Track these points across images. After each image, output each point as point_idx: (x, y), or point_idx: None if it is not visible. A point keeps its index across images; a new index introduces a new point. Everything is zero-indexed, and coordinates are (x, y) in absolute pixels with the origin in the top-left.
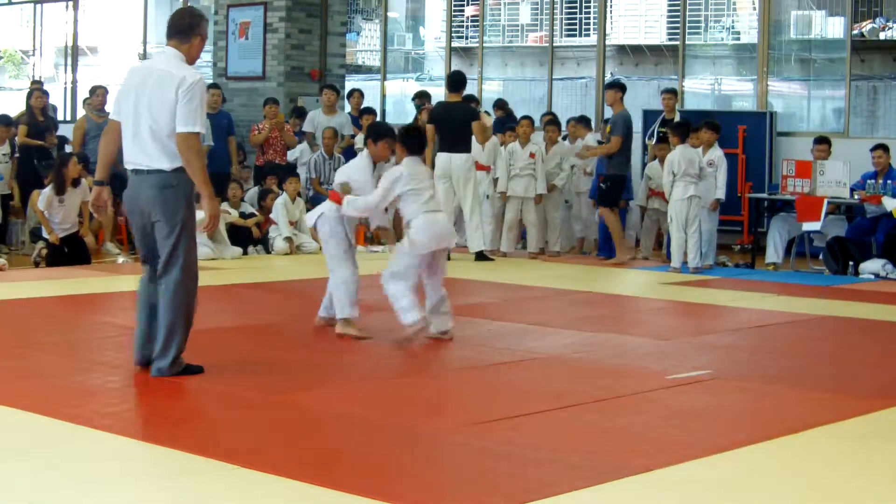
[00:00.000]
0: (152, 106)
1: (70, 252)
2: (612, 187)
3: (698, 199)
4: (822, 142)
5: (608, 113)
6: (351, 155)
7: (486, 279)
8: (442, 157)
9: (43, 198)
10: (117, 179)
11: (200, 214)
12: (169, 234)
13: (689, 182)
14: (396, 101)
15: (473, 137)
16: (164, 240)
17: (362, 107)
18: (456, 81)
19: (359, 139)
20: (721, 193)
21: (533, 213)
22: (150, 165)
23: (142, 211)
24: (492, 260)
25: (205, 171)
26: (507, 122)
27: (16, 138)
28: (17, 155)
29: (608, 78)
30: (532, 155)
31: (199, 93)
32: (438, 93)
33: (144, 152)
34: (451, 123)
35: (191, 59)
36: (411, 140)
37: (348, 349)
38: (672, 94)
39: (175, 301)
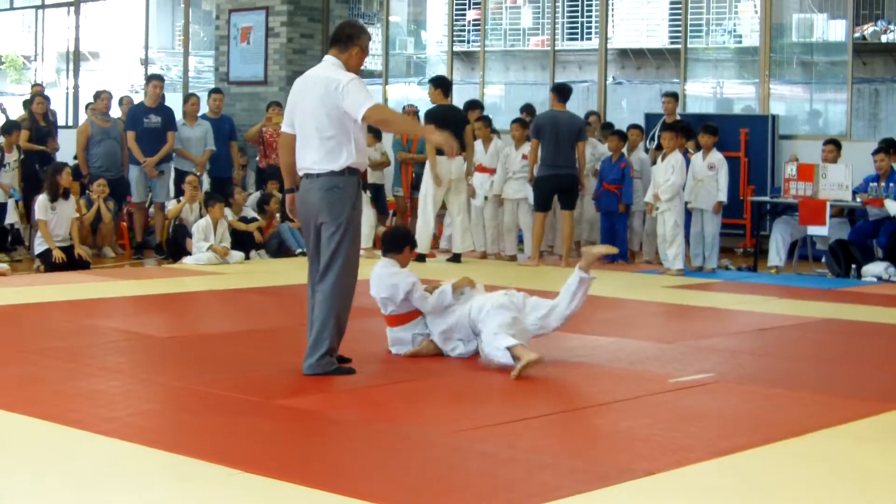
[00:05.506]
0: (316, 111)
1: (69, 261)
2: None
3: None
4: (830, 143)
5: (609, 117)
6: None
7: (486, 282)
8: (441, 161)
9: (38, 204)
10: (120, 184)
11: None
12: (333, 235)
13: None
14: (398, 105)
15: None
16: (329, 240)
17: None
18: (443, 83)
19: None
20: (723, 196)
21: (528, 215)
22: (318, 169)
23: (310, 213)
24: (459, 262)
25: (408, 121)
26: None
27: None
28: (21, 157)
29: (609, 82)
30: (525, 157)
31: (357, 85)
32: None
33: (312, 157)
34: (450, 128)
35: (350, 68)
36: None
37: (348, 353)
38: (671, 97)
39: (331, 299)
